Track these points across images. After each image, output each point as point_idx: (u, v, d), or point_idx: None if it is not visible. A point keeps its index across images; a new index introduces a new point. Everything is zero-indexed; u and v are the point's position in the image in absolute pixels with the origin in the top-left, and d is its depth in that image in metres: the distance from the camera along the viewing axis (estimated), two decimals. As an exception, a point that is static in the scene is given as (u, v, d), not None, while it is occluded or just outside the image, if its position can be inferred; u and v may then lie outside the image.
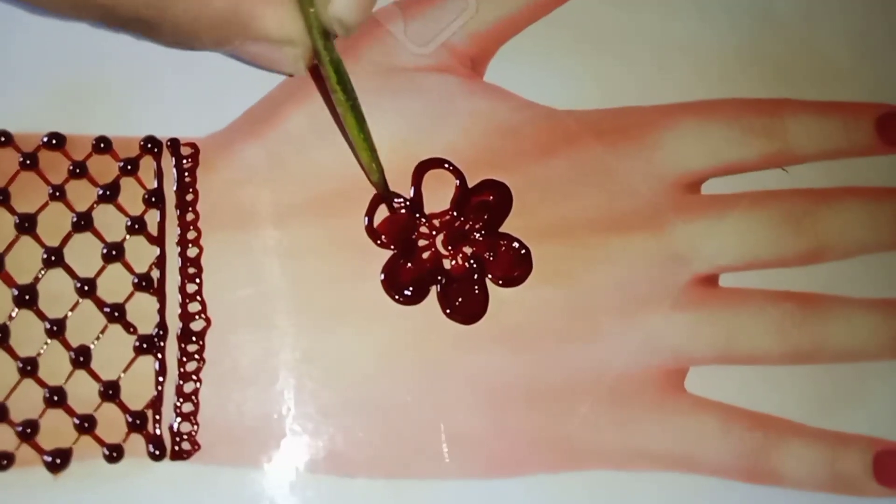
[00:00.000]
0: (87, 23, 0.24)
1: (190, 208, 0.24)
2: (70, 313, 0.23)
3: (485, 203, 0.27)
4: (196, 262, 0.24)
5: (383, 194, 0.25)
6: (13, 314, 0.23)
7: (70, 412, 0.22)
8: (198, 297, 0.24)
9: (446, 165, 0.26)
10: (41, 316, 0.23)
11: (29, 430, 0.22)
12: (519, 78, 0.28)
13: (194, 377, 0.23)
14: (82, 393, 0.23)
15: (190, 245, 0.24)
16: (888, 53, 0.32)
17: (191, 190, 0.24)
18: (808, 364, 0.28)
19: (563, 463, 0.25)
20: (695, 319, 0.27)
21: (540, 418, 0.25)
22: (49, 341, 0.23)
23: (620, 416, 0.26)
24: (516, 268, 0.26)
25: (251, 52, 0.24)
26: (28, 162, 0.24)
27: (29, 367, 0.22)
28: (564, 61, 0.29)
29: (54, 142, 0.24)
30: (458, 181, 0.27)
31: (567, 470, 0.25)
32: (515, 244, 0.26)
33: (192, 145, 0.25)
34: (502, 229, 0.27)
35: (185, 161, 0.25)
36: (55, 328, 0.23)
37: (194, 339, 0.23)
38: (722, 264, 0.28)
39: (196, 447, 0.23)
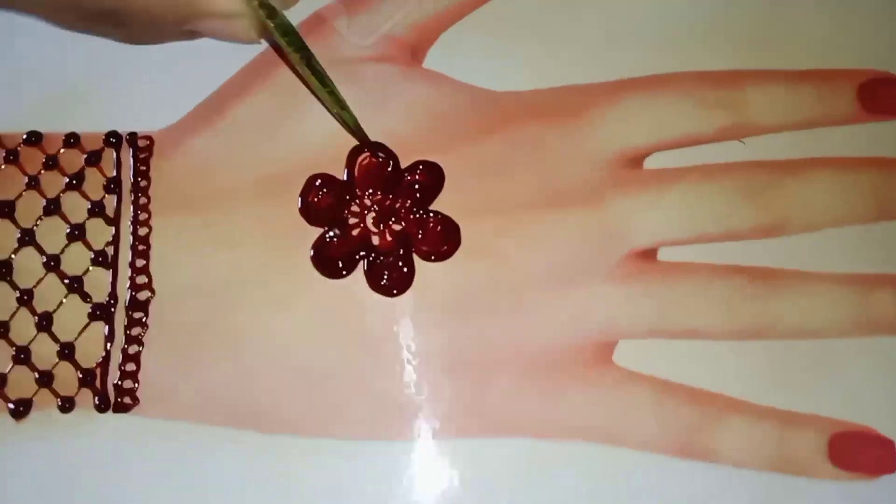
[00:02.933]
0: (61, 25, 0.30)
1: (143, 193, 0.30)
2: (37, 285, 0.28)
3: (416, 182, 0.30)
4: (145, 240, 0.29)
5: (361, 139, 0.31)
6: (-8, 286, 0.29)
7: (32, 368, 0.28)
8: (145, 272, 0.29)
9: (376, 152, 0.30)
10: (13, 286, 0.28)
11: (-2, 383, 0.28)
12: (459, 63, 0.32)
13: (138, 341, 0.28)
14: (43, 352, 0.28)
15: (141, 225, 0.29)
16: (871, 19, 0.33)
17: (144, 177, 0.30)
18: (757, 340, 0.29)
19: (483, 430, 0.28)
20: (627, 293, 0.30)
21: (459, 388, 0.28)
22: (19, 308, 0.28)
23: (542, 388, 0.29)
24: (444, 242, 0.30)
25: (209, 27, 0.30)
26: (11, 157, 0.30)
27: (1, 330, 0.28)
28: (508, 44, 0.33)
29: (33, 139, 0.30)
30: (391, 162, 0.30)
31: (487, 435, 0.28)
32: (444, 220, 0.29)
33: (148, 137, 0.30)
34: (434, 208, 0.30)
35: (140, 152, 0.30)
36: (25, 297, 0.29)
37: (140, 307, 0.28)
38: (663, 239, 0.30)
39: (136, 402, 0.28)
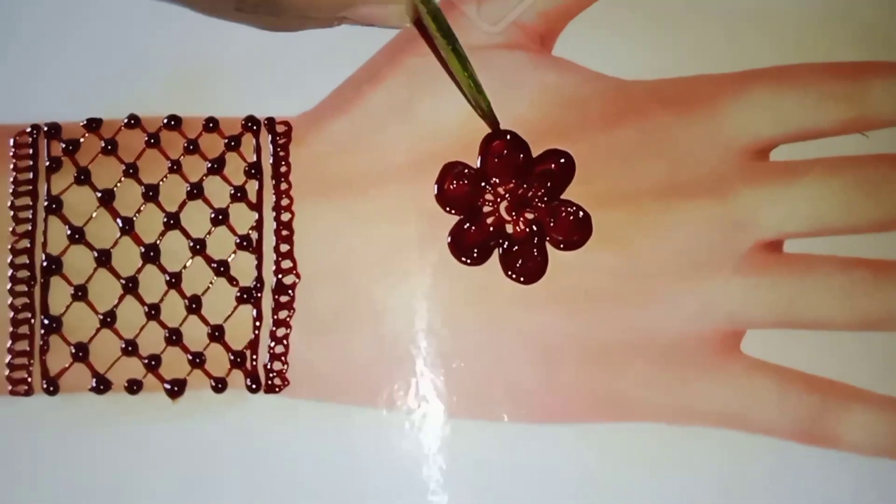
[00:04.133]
0: (221, 16, 0.30)
1: (283, 179, 0.30)
2: (185, 268, 0.29)
3: (548, 171, 0.30)
4: (288, 225, 0.30)
5: (493, 126, 0.31)
6: (141, 269, 0.29)
7: (185, 350, 0.29)
8: (290, 256, 0.29)
9: (509, 137, 0.30)
10: (162, 270, 0.29)
11: (153, 363, 0.29)
12: (588, 51, 0.32)
13: (285, 324, 0.29)
14: (194, 334, 0.29)
15: (283, 211, 0.30)
16: None
17: (284, 163, 0.30)
18: (878, 331, 0.30)
19: (614, 414, 0.29)
20: (755, 284, 0.30)
21: (592, 374, 0.29)
22: (168, 291, 0.29)
23: (673, 376, 0.29)
24: (576, 232, 0.30)
25: (364, 13, 0.30)
26: (152, 141, 0.30)
27: (153, 312, 0.29)
28: (633, 33, 0.32)
29: (172, 123, 0.30)
30: (522, 151, 0.30)
31: (617, 420, 0.29)
32: (576, 210, 0.30)
33: (286, 123, 0.30)
34: (565, 196, 0.30)
35: (279, 137, 0.30)
36: (173, 280, 0.29)
37: (286, 291, 0.29)
38: (787, 231, 0.31)
39: (286, 383, 0.29)
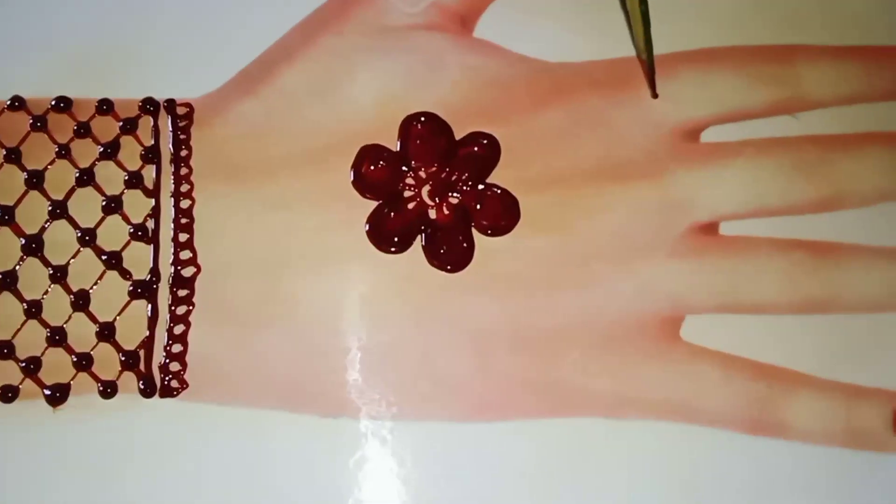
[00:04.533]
0: None
1: (184, 163, 0.27)
2: (72, 260, 0.26)
3: (471, 154, 0.28)
4: (188, 212, 0.27)
5: (650, 79, 0.29)
6: (21, 261, 0.26)
7: (69, 350, 0.25)
8: (189, 246, 0.26)
9: (428, 119, 0.28)
10: (46, 263, 0.26)
11: (32, 367, 0.25)
12: (512, 33, 0.31)
13: (184, 320, 0.26)
14: (81, 333, 0.26)
15: (183, 197, 0.27)
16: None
17: (185, 146, 0.27)
18: (820, 314, 0.28)
19: (552, 408, 0.27)
20: (693, 267, 0.28)
21: (527, 363, 0.27)
22: (52, 286, 0.26)
23: (613, 363, 0.27)
24: (503, 216, 0.28)
25: None
26: (38, 124, 0.27)
27: (34, 310, 0.25)
28: (558, 15, 0.31)
29: (62, 105, 0.27)
30: (444, 134, 0.28)
31: (555, 416, 0.26)
32: (503, 193, 0.28)
33: (188, 105, 0.28)
34: (491, 180, 0.28)
35: (180, 120, 0.27)
36: (58, 274, 0.26)
37: (186, 284, 0.26)
38: (723, 212, 0.29)
39: (184, 385, 0.25)
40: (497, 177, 0.30)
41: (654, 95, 0.29)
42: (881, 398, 0.29)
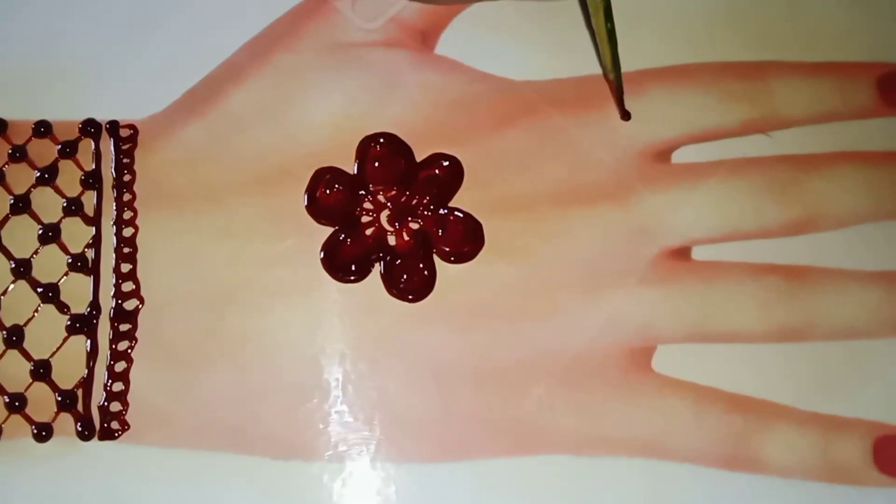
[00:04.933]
0: None
1: (126, 189, 0.25)
2: (5, 294, 0.24)
3: (433, 177, 0.27)
4: (131, 241, 0.25)
5: (618, 100, 0.27)
6: (-51, 295, 0.24)
7: (1, 391, 0.23)
8: (132, 277, 0.24)
9: (387, 140, 0.26)
10: (-25, 296, 0.24)
11: (-41, 409, 0.23)
12: (474, 50, 0.29)
13: (126, 357, 0.24)
14: (13, 372, 0.24)
15: (125, 225, 0.25)
16: (888, 12, 0.31)
17: (128, 171, 0.26)
18: (796, 342, 0.27)
19: (516, 447, 0.25)
20: (663, 295, 0.27)
21: (489, 400, 0.25)
22: (-17, 322, 0.24)
23: (579, 399, 0.26)
24: (466, 243, 0.27)
25: None
26: (-30, 148, 0.25)
27: (-38, 347, 0.23)
28: (522, 32, 0.30)
29: (-5, 127, 0.25)
30: (403, 156, 0.27)
31: (521, 454, 0.25)
32: (466, 218, 0.26)
33: (132, 127, 0.26)
34: (454, 204, 0.27)
35: (123, 143, 0.26)
36: (-11, 309, 0.24)
37: (128, 318, 0.24)
38: (695, 236, 0.28)
39: (125, 427, 0.24)
40: (459, 200, 0.28)
41: (625, 116, 0.28)
42: (860, 430, 0.27)
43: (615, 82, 0.27)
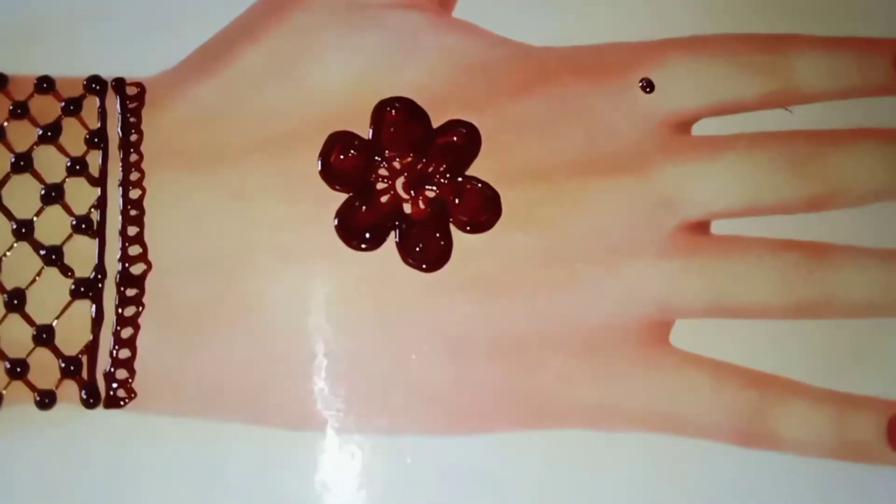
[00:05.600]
0: None
1: (133, 149, 0.24)
2: (6, 255, 0.23)
3: (450, 144, 0.26)
4: (138, 203, 0.24)
5: None
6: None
7: (2, 356, 0.22)
8: (139, 241, 0.23)
9: (403, 104, 0.25)
10: (-25, 257, 0.23)
11: (-41, 374, 0.22)
12: (493, 14, 0.28)
13: (133, 323, 0.23)
14: (15, 337, 0.23)
15: (132, 186, 0.24)
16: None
17: (135, 130, 0.24)
18: (813, 319, 0.26)
19: (533, 420, 0.24)
20: (682, 268, 0.26)
21: (505, 372, 0.24)
22: (-17, 284, 0.23)
23: (597, 371, 0.25)
24: (484, 212, 0.26)
25: None
26: (-32, 102, 0.24)
27: (-39, 310, 0.22)
28: (542, -5, 0.28)
29: (-5, 81, 0.24)
30: (420, 121, 0.26)
31: (536, 427, 0.24)
32: (483, 187, 0.25)
33: (139, 84, 0.25)
34: (471, 172, 0.26)
35: (129, 101, 0.24)
36: (-10, 270, 0.23)
37: (135, 283, 0.23)
38: (714, 210, 0.27)
39: (132, 395, 0.22)
40: (475, 168, 0.27)
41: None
42: (875, 408, 0.27)
43: None
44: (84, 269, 0.24)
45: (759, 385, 0.26)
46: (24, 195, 0.24)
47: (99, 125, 0.25)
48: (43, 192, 0.24)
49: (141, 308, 0.24)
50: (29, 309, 0.24)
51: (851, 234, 0.28)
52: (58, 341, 0.23)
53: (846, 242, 0.28)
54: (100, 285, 0.24)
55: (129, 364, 0.24)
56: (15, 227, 0.24)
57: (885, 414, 0.27)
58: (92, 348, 0.23)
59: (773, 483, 0.26)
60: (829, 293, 0.28)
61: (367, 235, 0.26)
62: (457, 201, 0.26)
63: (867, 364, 0.27)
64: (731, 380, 0.26)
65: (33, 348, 0.23)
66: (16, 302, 0.24)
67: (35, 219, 0.24)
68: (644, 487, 0.25)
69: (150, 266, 0.24)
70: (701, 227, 0.28)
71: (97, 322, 0.24)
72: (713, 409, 0.26)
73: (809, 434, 0.26)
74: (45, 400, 0.23)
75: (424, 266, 0.26)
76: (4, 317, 0.23)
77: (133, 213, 0.25)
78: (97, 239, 0.24)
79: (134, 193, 0.25)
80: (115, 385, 0.23)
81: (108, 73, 0.26)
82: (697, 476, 0.26)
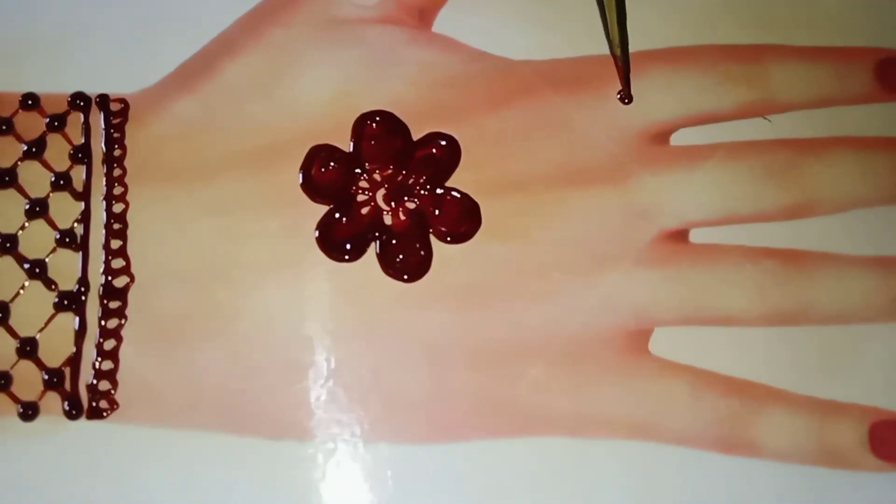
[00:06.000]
0: None
1: (117, 164, 0.24)
2: (-10, 269, 0.23)
3: (430, 156, 0.26)
4: (122, 217, 0.24)
5: (624, 79, 0.26)
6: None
7: (-15, 368, 0.22)
8: (122, 254, 0.24)
9: (384, 118, 0.25)
10: (-40, 272, 0.23)
11: (-57, 387, 0.22)
12: (471, 29, 0.28)
13: (115, 335, 0.23)
14: (-1, 349, 0.23)
15: (116, 201, 0.24)
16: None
17: (118, 145, 0.25)
18: (793, 326, 0.26)
19: (510, 428, 0.24)
20: (660, 277, 0.26)
21: (484, 381, 0.25)
22: (-32, 298, 0.23)
23: (575, 380, 0.25)
24: (463, 223, 0.26)
25: None
26: (-45, 119, 0.24)
27: (-54, 324, 0.22)
28: (521, 11, 0.29)
29: (-19, 99, 0.24)
30: (400, 134, 0.26)
31: (515, 435, 0.24)
32: (463, 198, 0.26)
33: (122, 100, 0.25)
34: (451, 184, 0.26)
35: (113, 117, 0.25)
36: (-26, 284, 0.23)
37: (118, 295, 0.23)
38: (693, 219, 0.27)
39: (114, 406, 0.23)
40: (455, 180, 0.27)
41: (627, 98, 0.27)
42: (856, 414, 0.27)
43: (622, 58, 0.26)
44: (68, 283, 0.24)
45: (739, 392, 0.26)
46: (8, 210, 0.25)
47: (83, 141, 0.25)
48: (27, 206, 0.25)
49: (124, 320, 0.24)
50: (13, 322, 0.24)
51: (830, 242, 0.28)
52: (41, 353, 0.24)
53: (825, 250, 0.28)
54: (83, 298, 0.24)
55: (111, 376, 0.24)
56: (-1, 241, 0.24)
57: (866, 421, 0.27)
58: (75, 360, 0.24)
59: (754, 490, 0.26)
60: (807, 300, 0.28)
61: (348, 247, 0.26)
62: (437, 212, 0.26)
63: (847, 371, 0.27)
64: (711, 387, 0.26)
65: (17, 361, 0.24)
66: (0, 315, 0.24)
67: (19, 233, 0.24)
68: (624, 495, 0.25)
69: (132, 279, 0.25)
70: (679, 236, 0.28)
71: (80, 334, 0.24)
72: (693, 417, 0.26)
73: (790, 441, 0.26)
74: (29, 412, 0.23)
75: (405, 276, 0.26)
76: (-12, 330, 0.24)
77: (116, 226, 0.25)
78: (81, 252, 0.25)
79: (117, 207, 0.25)
80: (97, 397, 0.23)
81: (92, 90, 0.26)
82: (678, 484, 0.25)
